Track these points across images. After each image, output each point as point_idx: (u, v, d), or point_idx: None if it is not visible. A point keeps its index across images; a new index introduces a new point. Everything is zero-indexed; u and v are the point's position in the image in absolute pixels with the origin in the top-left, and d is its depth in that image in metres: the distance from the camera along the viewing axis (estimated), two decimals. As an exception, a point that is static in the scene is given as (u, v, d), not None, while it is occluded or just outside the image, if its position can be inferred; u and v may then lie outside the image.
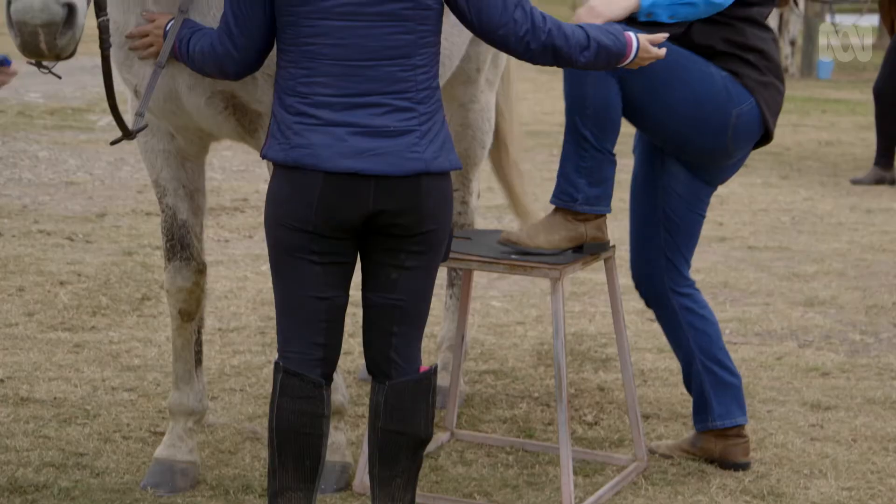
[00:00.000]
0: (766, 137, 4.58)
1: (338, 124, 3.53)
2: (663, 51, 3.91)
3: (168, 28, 3.88)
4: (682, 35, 4.31)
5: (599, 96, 4.31)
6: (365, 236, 3.62)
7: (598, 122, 4.32)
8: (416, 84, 3.59)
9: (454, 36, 4.62)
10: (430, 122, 3.60)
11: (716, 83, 4.36)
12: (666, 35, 3.96)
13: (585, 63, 3.73)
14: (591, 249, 4.38)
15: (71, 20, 3.31)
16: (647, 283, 4.63)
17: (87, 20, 3.45)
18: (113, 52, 3.86)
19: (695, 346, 4.59)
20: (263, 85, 3.97)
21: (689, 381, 4.66)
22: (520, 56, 3.75)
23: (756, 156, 11.63)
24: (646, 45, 3.83)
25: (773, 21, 20.79)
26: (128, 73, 4.14)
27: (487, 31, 3.68)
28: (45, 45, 3.31)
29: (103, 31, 3.63)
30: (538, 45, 3.66)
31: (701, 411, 4.61)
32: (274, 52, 3.75)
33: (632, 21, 4.18)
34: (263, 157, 3.66)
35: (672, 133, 4.43)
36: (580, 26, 3.74)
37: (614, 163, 4.40)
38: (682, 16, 4.25)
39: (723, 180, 4.66)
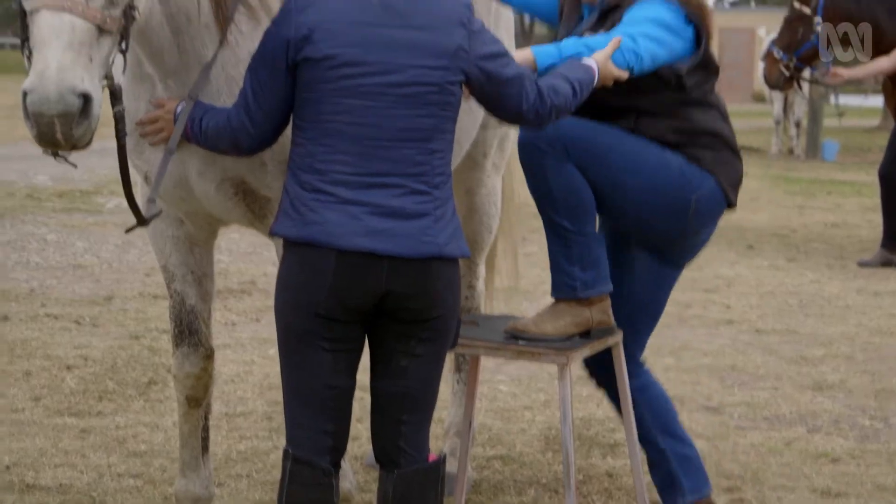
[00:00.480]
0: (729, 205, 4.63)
1: (354, 203, 3.54)
2: (624, 73, 4.03)
3: (179, 111, 3.91)
4: (632, 130, 4.35)
5: (562, 185, 4.32)
6: (375, 322, 3.62)
7: (571, 209, 4.33)
8: (433, 168, 3.62)
9: (464, 122, 4.66)
10: (444, 208, 3.62)
11: (672, 170, 4.37)
12: (625, 74, 4.05)
13: (576, 107, 3.88)
14: (598, 335, 4.38)
15: (87, 110, 3.32)
16: (602, 366, 4.59)
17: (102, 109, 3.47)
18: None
19: (654, 426, 4.57)
20: (273, 171, 3.99)
21: (652, 463, 4.63)
22: (528, 125, 3.91)
23: (763, 238, 11.80)
24: (603, 64, 3.98)
25: (777, 103, 20.94)
26: (138, 159, 4.16)
27: (506, 117, 3.82)
28: (62, 135, 3.31)
29: (119, 120, 3.65)
30: (545, 113, 3.76)
31: (670, 491, 4.58)
32: (284, 138, 3.78)
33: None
34: (273, 233, 3.66)
35: (633, 219, 4.45)
36: (557, 74, 3.85)
37: (601, 239, 4.41)
38: (649, 59, 4.23)
39: (689, 259, 4.67)
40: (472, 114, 4.79)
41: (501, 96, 3.71)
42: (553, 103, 3.76)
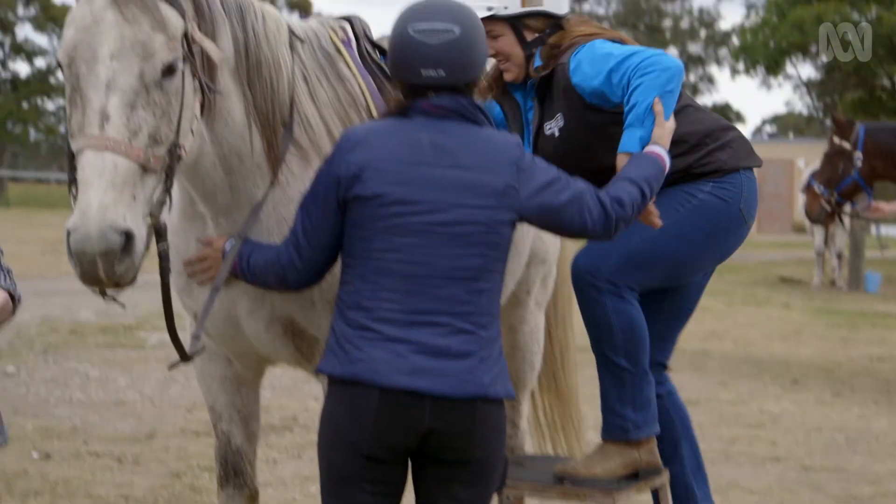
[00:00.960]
0: None
1: (400, 340, 3.54)
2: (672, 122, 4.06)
3: (227, 249, 3.93)
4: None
5: (623, 321, 4.31)
6: (417, 465, 3.59)
7: (629, 346, 4.32)
8: (480, 308, 3.62)
9: (510, 263, 4.68)
10: (490, 348, 3.61)
11: (711, 206, 4.36)
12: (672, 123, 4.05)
13: (651, 199, 3.90)
14: (646, 476, 4.33)
15: (129, 248, 3.34)
16: None
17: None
18: (173, 279, 3.91)
19: (682, 429, 4.56)
20: (322, 310, 4.01)
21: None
22: (596, 239, 3.96)
23: (807, 372, 11.69)
24: (667, 141, 4.01)
25: (818, 235, 20.89)
26: (188, 298, 4.19)
27: (571, 236, 3.89)
28: (105, 273, 3.33)
29: (163, 258, 3.68)
30: (611, 227, 3.77)
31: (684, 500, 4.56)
32: (332, 277, 3.80)
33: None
34: (319, 371, 3.65)
35: (705, 269, 4.54)
36: (624, 178, 3.85)
37: (652, 381, 4.38)
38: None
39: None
40: (518, 255, 4.81)
41: (563, 220, 3.73)
42: (618, 215, 3.76)
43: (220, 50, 3.83)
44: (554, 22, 4.48)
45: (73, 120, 3.44)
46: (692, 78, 67.38)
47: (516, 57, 4.48)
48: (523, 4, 4.46)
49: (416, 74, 3.67)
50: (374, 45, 4.52)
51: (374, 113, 4.24)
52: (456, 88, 3.71)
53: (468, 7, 3.80)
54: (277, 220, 4.01)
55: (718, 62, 66.12)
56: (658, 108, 4.03)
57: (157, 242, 3.63)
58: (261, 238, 3.97)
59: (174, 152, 3.53)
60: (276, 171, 4.02)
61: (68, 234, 3.32)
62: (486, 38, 4.24)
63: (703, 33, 66.30)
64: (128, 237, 3.33)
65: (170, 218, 4.20)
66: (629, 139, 4.04)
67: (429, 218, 3.57)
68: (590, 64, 4.25)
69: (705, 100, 67.57)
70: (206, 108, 3.82)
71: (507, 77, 4.51)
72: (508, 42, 4.48)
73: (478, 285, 3.61)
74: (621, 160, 4.01)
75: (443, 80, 3.66)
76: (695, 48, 66.66)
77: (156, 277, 3.67)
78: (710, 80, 67.61)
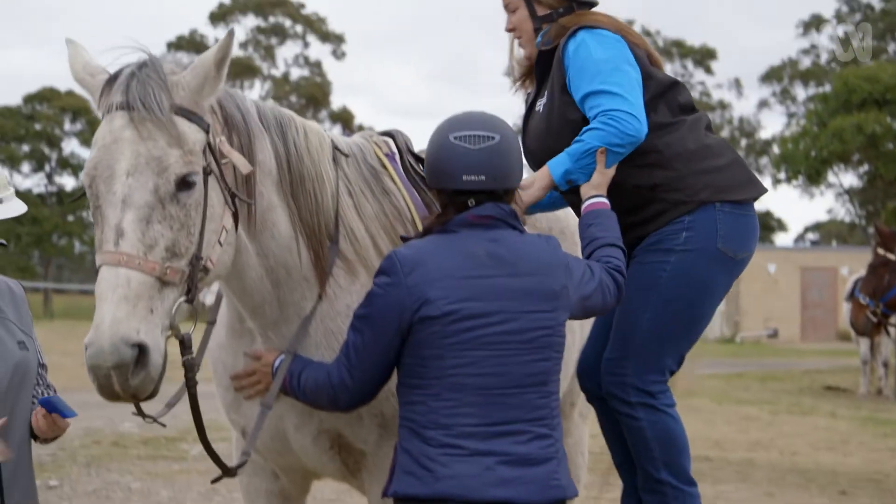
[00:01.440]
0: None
1: (484, 454, 3.58)
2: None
3: (277, 365, 3.93)
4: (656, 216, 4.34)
5: (660, 432, 4.26)
6: None
7: (669, 458, 4.26)
8: (551, 410, 3.69)
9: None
10: (559, 445, 3.70)
11: (678, 268, 4.30)
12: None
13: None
14: None
15: (143, 360, 3.38)
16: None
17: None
18: (221, 394, 3.92)
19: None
20: (369, 424, 4.00)
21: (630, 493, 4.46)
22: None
23: (855, 483, 11.50)
24: (603, 190, 4.15)
25: (863, 343, 20.69)
26: (235, 413, 4.18)
27: (589, 317, 4.05)
28: (120, 386, 3.37)
29: (188, 369, 3.70)
30: (622, 294, 3.97)
31: None
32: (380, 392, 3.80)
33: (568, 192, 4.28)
34: (396, 495, 3.64)
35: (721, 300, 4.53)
36: (609, 243, 3.99)
37: (697, 495, 4.29)
38: (640, 111, 4.20)
39: None
40: (564, 366, 4.81)
41: (592, 307, 3.88)
42: (623, 283, 3.95)
43: (259, 162, 3.89)
44: (569, 3, 4.48)
45: (96, 237, 3.52)
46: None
47: (527, 31, 4.52)
48: None
49: (457, 180, 3.72)
50: (418, 158, 4.56)
51: (420, 226, 4.27)
52: (495, 196, 3.75)
53: (502, 120, 3.85)
54: (325, 334, 4.02)
55: (760, 171, 66.15)
56: (601, 157, 4.10)
57: (182, 354, 3.65)
58: (309, 351, 3.98)
59: (196, 264, 3.57)
60: (324, 284, 4.04)
61: (85, 348, 3.36)
62: (506, 10, 4.45)
63: (743, 142, 66.46)
64: (141, 350, 3.37)
65: (216, 334, 4.23)
66: (557, 162, 4.15)
67: (499, 328, 3.62)
68: (578, 70, 4.28)
69: (747, 208, 67.43)
70: (250, 220, 3.85)
71: (524, 53, 4.55)
72: (522, 16, 4.52)
73: (547, 389, 3.69)
74: (543, 173, 4.15)
75: (483, 185, 3.71)
76: (735, 157, 66.72)
77: (200, 389, 3.67)
78: (751, 188, 67.41)
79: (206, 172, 3.64)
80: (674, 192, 4.32)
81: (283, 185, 4.02)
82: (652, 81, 4.36)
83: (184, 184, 3.55)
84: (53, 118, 56.41)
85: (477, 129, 3.75)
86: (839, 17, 59.50)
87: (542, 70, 4.47)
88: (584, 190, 4.14)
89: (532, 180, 4.21)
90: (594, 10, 4.51)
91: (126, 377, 3.36)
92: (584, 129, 4.18)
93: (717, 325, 43.90)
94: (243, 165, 3.78)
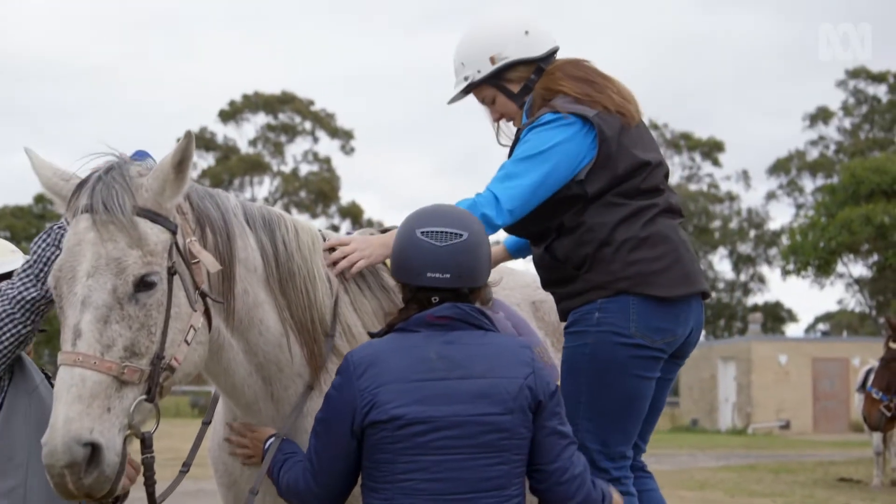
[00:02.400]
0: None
1: None
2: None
3: (267, 447, 3.93)
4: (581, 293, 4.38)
5: None
6: None
7: None
8: None
9: None
10: None
11: (597, 359, 4.31)
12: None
13: None
14: None
15: (96, 459, 3.39)
16: None
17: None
18: (222, 494, 3.98)
19: None
20: None
21: None
22: None
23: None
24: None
25: (876, 435, 20.59)
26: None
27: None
28: (73, 485, 3.38)
29: (147, 468, 3.69)
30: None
31: None
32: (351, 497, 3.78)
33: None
34: None
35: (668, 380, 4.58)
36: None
37: None
38: (510, 202, 4.21)
39: None
40: None
41: (555, 457, 3.77)
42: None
43: (242, 260, 3.93)
44: (535, 66, 4.51)
45: (61, 341, 3.53)
46: (742, 277, 67.44)
47: (513, 112, 4.56)
48: (492, 63, 4.49)
49: (421, 277, 3.70)
50: None
51: None
52: (458, 294, 3.72)
53: (474, 216, 3.87)
54: None
55: (769, 262, 66.28)
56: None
57: (142, 452, 3.65)
58: (304, 444, 3.96)
59: (157, 364, 3.57)
60: (318, 379, 4.07)
61: (43, 447, 3.38)
62: (485, 105, 4.49)
63: (752, 234, 66.58)
64: (95, 449, 3.37)
65: (215, 434, 4.26)
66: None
67: (449, 433, 3.54)
68: (522, 140, 4.35)
69: (756, 299, 67.53)
70: (232, 317, 3.88)
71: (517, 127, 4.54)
72: (501, 101, 4.56)
73: (507, 492, 3.59)
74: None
75: (447, 283, 3.67)
76: (745, 248, 66.85)
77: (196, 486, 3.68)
78: (761, 279, 67.59)
79: (171, 272, 3.65)
80: (595, 274, 4.34)
81: (272, 282, 4.04)
82: (610, 162, 4.35)
83: (143, 284, 3.57)
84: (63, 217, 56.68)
85: (444, 226, 3.72)
86: (846, 110, 59.94)
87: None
88: None
89: (377, 241, 4.28)
90: (558, 60, 4.55)
91: (79, 476, 3.36)
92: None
93: (728, 417, 43.63)
94: (211, 265, 3.79)
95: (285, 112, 62.37)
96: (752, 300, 67.66)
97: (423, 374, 3.59)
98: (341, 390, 3.65)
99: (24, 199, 60.41)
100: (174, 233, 3.70)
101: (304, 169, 62.98)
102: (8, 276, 4.36)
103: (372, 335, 3.90)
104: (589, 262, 4.34)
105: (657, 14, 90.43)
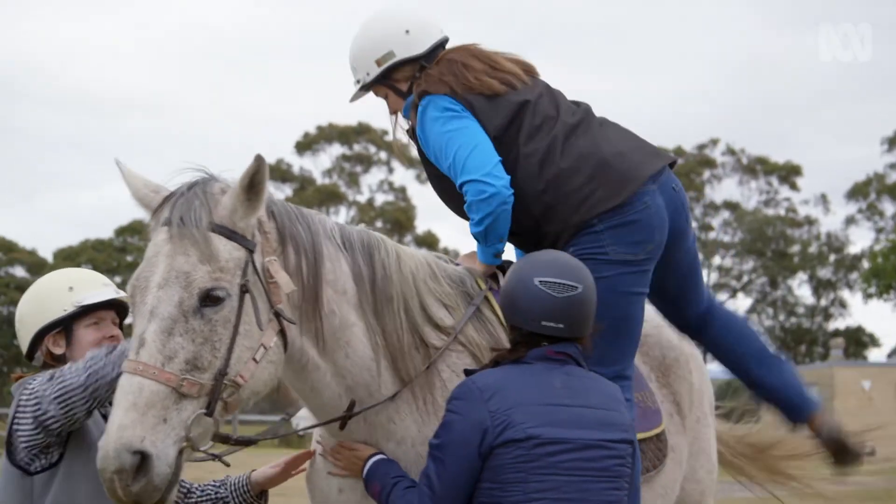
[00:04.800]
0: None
1: None
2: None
3: (369, 466, 3.94)
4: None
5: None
6: None
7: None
8: None
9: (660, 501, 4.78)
10: None
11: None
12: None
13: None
14: None
15: (145, 468, 3.41)
16: None
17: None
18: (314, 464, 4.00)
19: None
20: None
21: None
22: None
23: None
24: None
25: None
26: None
27: None
28: (122, 491, 3.42)
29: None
30: None
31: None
32: None
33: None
34: None
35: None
36: None
37: None
38: (489, 231, 4.33)
39: None
40: (665, 496, 4.82)
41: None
42: None
43: (330, 282, 3.97)
44: (418, 65, 4.63)
45: None
46: (823, 302, 66.68)
47: (401, 108, 4.69)
48: (378, 66, 4.63)
49: (535, 323, 3.79)
50: None
51: None
52: (566, 340, 3.83)
53: (587, 269, 3.92)
54: (416, 458, 4.02)
55: (850, 286, 65.45)
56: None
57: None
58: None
59: (220, 380, 3.60)
60: (415, 405, 4.07)
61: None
62: (384, 100, 4.62)
63: (832, 258, 65.83)
64: (144, 458, 3.40)
65: (313, 461, 4.28)
66: (482, 254, 4.45)
67: (578, 455, 3.63)
68: (432, 147, 4.47)
69: (837, 324, 66.71)
70: (319, 338, 3.90)
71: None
72: (393, 99, 4.70)
73: None
74: (481, 266, 4.46)
75: (560, 332, 3.78)
76: (825, 273, 66.11)
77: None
78: (843, 304, 66.72)
79: (244, 290, 3.68)
80: (550, 225, 4.42)
81: (364, 305, 4.06)
82: (489, 123, 4.48)
83: (209, 299, 3.61)
84: (144, 249, 57.35)
85: (562, 278, 3.81)
86: (924, 131, 59.17)
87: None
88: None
89: (479, 270, 4.49)
90: (434, 57, 4.67)
91: (127, 483, 3.40)
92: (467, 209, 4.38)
93: (811, 444, 43.04)
94: (286, 285, 3.82)
95: (360, 143, 62.75)
96: (833, 325, 66.90)
97: (551, 400, 3.70)
98: (468, 413, 3.69)
99: (106, 232, 61.28)
100: (251, 251, 3.74)
101: (380, 199, 63.40)
102: (102, 305, 4.40)
103: (469, 372, 3.93)
104: (540, 216, 4.45)
105: (732, 35, 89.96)
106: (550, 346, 3.80)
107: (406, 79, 4.66)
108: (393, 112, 4.77)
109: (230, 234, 3.71)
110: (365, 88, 4.71)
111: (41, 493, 4.04)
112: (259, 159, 3.69)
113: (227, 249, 3.68)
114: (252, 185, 3.73)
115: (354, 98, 4.79)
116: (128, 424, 3.41)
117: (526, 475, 3.61)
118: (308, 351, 3.93)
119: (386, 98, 4.73)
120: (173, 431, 3.48)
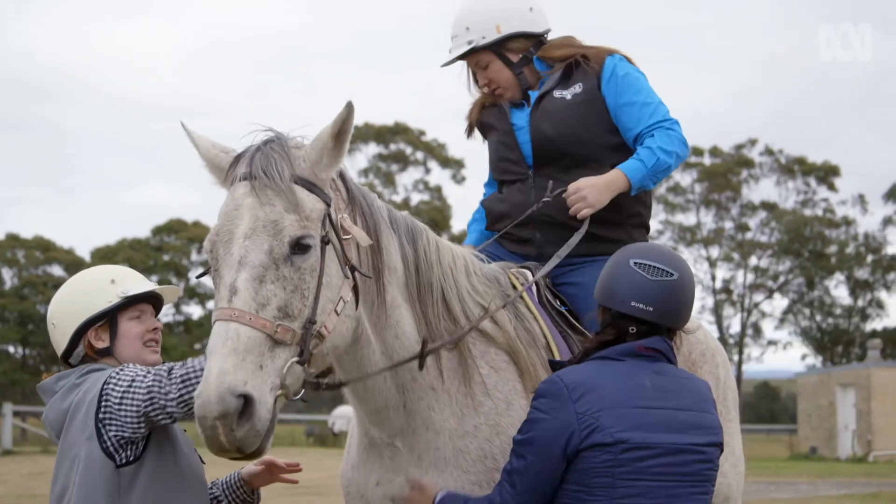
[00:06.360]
0: None
1: None
2: None
3: (438, 501, 3.87)
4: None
5: None
6: None
7: None
8: None
9: None
10: None
11: None
12: None
13: None
14: None
15: (248, 412, 3.39)
16: None
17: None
18: None
19: None
20: None
21: None
22: None
23: None
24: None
25: None
26: None
27: None
28: (225, 437, 3.39)
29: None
30: None
31: None
32: None
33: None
34: None
35: None
36: None
37: None
38: (663, 177, 4.57)
39: None
40: None
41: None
42: None
43: (385, 253, 3.98)
44: (535, 40, 4.78)
45: (214, 300, 3.58)
46: (860, 303, 66.25)
47: (506, 80, 4.78)
48: (498, 31, 4.74)
49: (624, 303, 3.74)
50: (555, 294, 4.62)
51: (556, 353, 4.28)
52: (657, 329, 3.77)
53: (687, 264, 3.90)
54: (455, 452, 4.01)
55: (887, 287, 64.99)
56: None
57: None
58: (438, 466, 3.99)
59: (309, 328, 3.61)
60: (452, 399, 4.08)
61: (196, 400, 3.41)
62: (477, 69, 4.74)
63: (869, 258, 65.38)
64: (247, 401, 3.38)
65: (349, 456, 4.28)
66: (634, 171, 4.52)
67: (666, 459, 3.61)
68: (631, 84, 4.63)
69: (875, 324, 66.26)
70: (375, 310, 3.93)
71: (505, 99, 4.82)
72: (496, 68, 4.78)
73: None
74: (619, 179, 4.51)
75: (649, 315, 3.72)
76: (862, 274, 65.67)
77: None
78: (880, 305, 66.26)
79: (325, 242, 3.70)
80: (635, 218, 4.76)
81: (410, 287, 4.08)
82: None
83: (298, 247, 3.63)
84: (181, 248, 57.64)
85: (658, 262, 3.78)
86: (964, 130, 58.64)
87: (560, 74, 4.75)
88: None
89: (603, 183, 4.49)
90: (550, 39, 4.86)
91: (231, 428, 3.36)
92: (646, 136, 4.56)
93: (848, 444, 42.81)
94: (363, 239, 3.84)
95: (397, 143, 62.77)
96: (870, 326, 66.43)
97: (641, 402, 3.66)
98: (555, 413, 3.66)
99: (143, 231, 61.56)
100: (328, 204, 3.77)
101: (416, 198, 63.35)
102: (142, 298, 4.41)
103: (554, 363, 3.94)
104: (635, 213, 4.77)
105: (772, 36, 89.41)
106: (640, 342, 3.75)
107: (519, 51, 4.79)
108: (486, 83, 4.86)
109: (311, 187, 3.74)
110: (472, 51, 4.78)
111: (127, 488, 4.02)
112: (349, 107, 3.74)
113: (310, 200, 3.71)
114: (340, 132, 3.77)
115: (449, 62, 4.88)
116: (229, 369, 3.38)
117: (613, 480, 3.58)
118: (364, 322, 3.94)
119: (485, 68, 4.82)
120: (269, 378, 3.46)
